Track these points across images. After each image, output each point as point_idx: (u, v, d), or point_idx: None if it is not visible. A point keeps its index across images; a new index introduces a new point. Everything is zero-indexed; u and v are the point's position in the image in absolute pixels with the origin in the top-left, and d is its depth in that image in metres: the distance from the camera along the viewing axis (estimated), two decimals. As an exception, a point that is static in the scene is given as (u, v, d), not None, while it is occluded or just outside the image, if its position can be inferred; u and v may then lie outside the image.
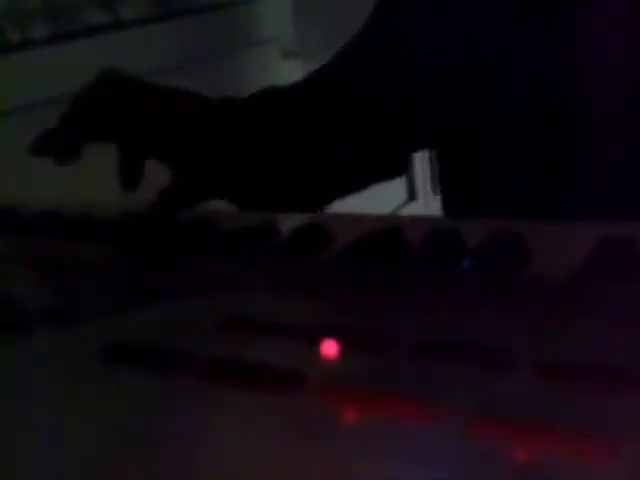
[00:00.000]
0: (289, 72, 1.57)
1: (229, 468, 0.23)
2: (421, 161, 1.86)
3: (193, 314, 0.35)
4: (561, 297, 0.33)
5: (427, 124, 0.66)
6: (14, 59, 1.07)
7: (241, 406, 0.26)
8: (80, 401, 0.27)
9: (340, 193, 0.70)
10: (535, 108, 0.60)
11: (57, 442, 0.24)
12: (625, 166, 0.58)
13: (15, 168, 1.02)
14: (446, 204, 0.71)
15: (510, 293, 0.34)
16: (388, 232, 0.44)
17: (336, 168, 0.66)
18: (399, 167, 0.72)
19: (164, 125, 0.59)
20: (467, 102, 0.63)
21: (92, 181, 1.10)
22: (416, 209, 1.94)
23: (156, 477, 0.22)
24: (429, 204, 1.94)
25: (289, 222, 0.51)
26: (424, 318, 0.33)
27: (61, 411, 0.27)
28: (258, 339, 0.31)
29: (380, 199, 1.19)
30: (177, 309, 0.36)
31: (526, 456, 0.22)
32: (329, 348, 0.29)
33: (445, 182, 0.71)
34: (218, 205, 0.61)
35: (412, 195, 1.99)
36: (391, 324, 0.33)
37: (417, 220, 0.48)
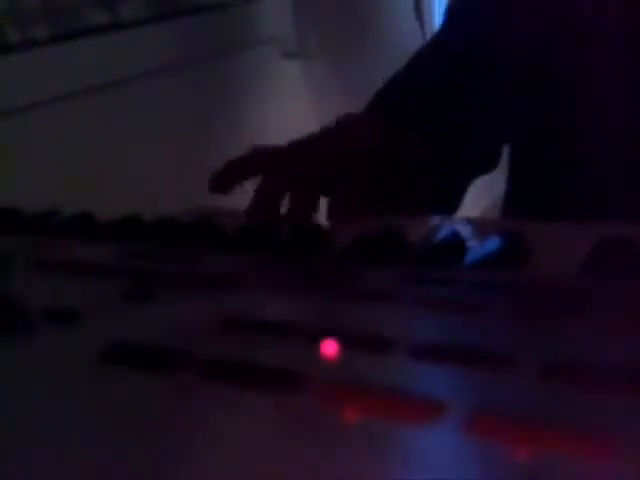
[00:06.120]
0: (289, 72, 1.57)
1: (229, 468, 0.23)
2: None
3: (193, 314, 0.35)
4: (561, 297, 0.33)
5: (509, 118, 0.67)
6: (14, 59, 1.07)
7: (241, 406, 0.26)
8: (80, 401, 0.27)
9: (445, 195, 0.68)
10: (617, 109, 0.60)
11: (57, 442, 0.24)
12: None
13: (15, 168, 1.02)
14: (510, 200, 0.71)
15: (510, 293, 0.34)
16: (388, 232, 0.44)
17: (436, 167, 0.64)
18: (492, 160, 0.71)
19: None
20: (549, 100, 0.64)
21: (91, 181, 1.10)
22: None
23: (156, 477, 0.22)
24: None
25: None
26: (424, 318, 0.33)
27: (61, 411, 0.27)
28: (258, 339, 0.31)
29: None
30: (177, 309, 0.36)
31: (526, 456, 0.22)
32: (329, 348, 0.29)
33: (513, 179, 0.71)
34: (218, 205, 0.61)
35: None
36: (391, 324, 0.33)
37: (417, 220, 0.48)
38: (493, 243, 0.39)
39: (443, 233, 0.42)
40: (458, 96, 0.66)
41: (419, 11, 1.99)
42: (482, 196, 1.09)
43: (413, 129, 0.62)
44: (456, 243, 0.41)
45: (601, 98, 0.60)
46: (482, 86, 0.66)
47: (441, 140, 0.64)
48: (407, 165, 0.60)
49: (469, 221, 0.46)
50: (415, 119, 0.64)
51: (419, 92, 0.67)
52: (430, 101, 0.66)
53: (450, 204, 0.68)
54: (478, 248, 0.40)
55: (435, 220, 0.47)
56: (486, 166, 0.70)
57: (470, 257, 0.39)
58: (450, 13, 0.72)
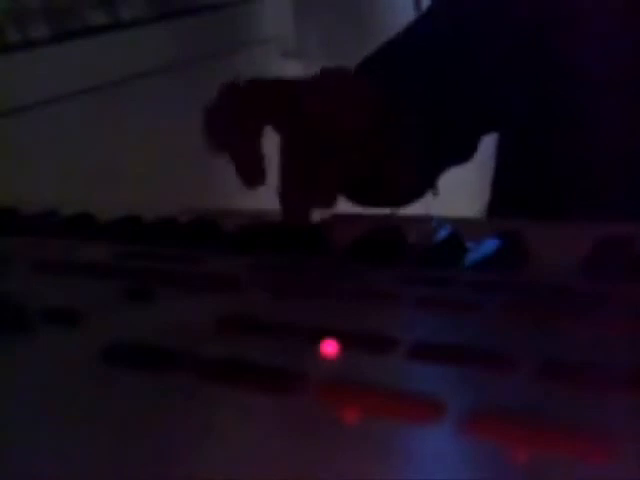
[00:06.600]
0: (289, 72, 1.57)
1: (229, 468, 0.23)
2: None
3: (193, 314, 0.35)
4: (561, 297, 0.33)
5: (491, 109, 0.67)
6: (14, 59, 1.08)
7: (241, 406, 0.26)
8: (80, 401, 0.27)
9: (418, 182, 0.68)
10: (616, 106, 0.59)
11: (57, 442, 0.24)
12: None
13: (15, 168, 1.02)
14: (496, 197, 0.71)
15: (510, 293, 0.34)
16: (388, 231, 0.44)
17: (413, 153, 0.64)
18: (468, 150, 0.70)
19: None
20: (529, 91, 0.63)
21: (91, 181, 1.10)
22: (416, 209, 1.94)
23: (156, 477, 0.22)
24: (429, 204, 1.94)
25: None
26: (424, 318, 0.33)
27: (61, 411, 0.27)
28: (258, 339, 0.31)
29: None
30: (177, 309, 0.36)
31: (526, 456, 0.22)
32: (329, 348, 0.29)
33: (501, 174, 0.71)
34: (218, 205, 0.61)
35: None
36: (391, 324, 0.33)
37: (417, 220, 0.48)
38: (493, 243, 0.39)
39: (443, 233, 0.42)
40: (444, 67, 0.66)
41: (419, 10, 1.99)
42: (476, 198, 1.09)
43: (398, 95, 0.62)
44: (456, 243, 0.41)
45: (599, 89, 0.60)
46: (469, 67, 0.65)
47: (423, 107, 0.64)
48: (394, 131, 0.60)
49: (469, 221, 0.46)
50: (401, 86, 0.63)
51: (405, 60, 0.66)
52: (416, 70, 0.65)
53: (421, 187, 0.68)
54: (478, 248, 0.40)
55: (435, 220, 0.47)
56: (462, 154, 0.70)
57: (470, 257, 0.39)
58: None
